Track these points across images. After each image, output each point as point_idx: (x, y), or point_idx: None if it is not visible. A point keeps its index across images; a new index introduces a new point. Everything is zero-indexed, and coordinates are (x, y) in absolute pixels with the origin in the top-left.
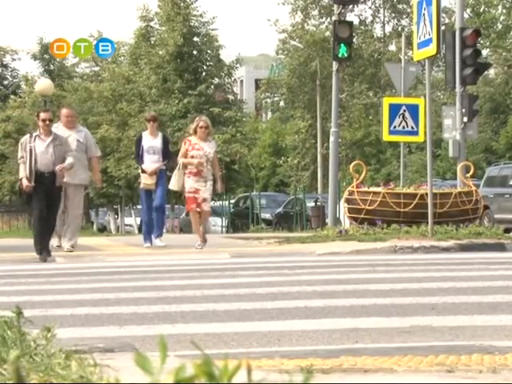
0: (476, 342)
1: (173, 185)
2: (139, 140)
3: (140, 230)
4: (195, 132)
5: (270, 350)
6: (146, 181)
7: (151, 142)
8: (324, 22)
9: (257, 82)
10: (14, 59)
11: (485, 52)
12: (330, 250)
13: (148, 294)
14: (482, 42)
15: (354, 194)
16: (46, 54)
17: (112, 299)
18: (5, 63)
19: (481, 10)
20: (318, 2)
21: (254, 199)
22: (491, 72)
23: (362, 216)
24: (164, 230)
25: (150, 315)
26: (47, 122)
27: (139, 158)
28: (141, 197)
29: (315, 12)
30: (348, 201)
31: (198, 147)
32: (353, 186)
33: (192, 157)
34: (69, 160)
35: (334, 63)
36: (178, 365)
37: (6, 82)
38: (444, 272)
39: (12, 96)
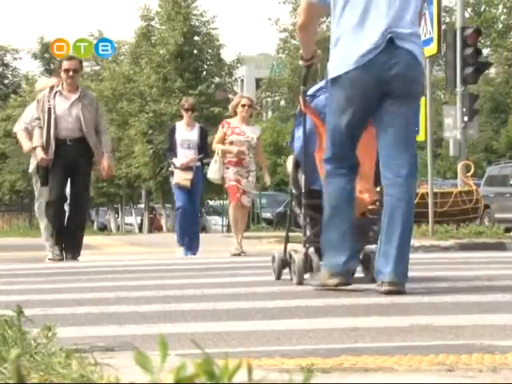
0: (476, 342)
1: (212, 174)
2: (172, 131)
3: (140, 230)
4: (235, 112)
5: (270, 349)
6: (180, 177)
7: (186, 134)
8: (325, 22)
9: (257, 81)
10: (14, 58)
11: (485, 51)
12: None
13: (148, 293)
14: (482, 41)
15: None
16: (46, 54)
17: (112, 298)
18: (5, 62)
19: (481, 10)
20: None
21: (255, 198)
22: (492, 71)
23: None
24: (164, 230)
25: (150, 314)
26: (71, 74)
27: (171, 152)
28: (175, 195)
29: None
30: None
31: (239, 131)
32: None
33: (231, 143)
34: (107, 141)
35: None
36: (178, 364)
37: (6, 81)
38: (444, 271)
39: (12, 95)
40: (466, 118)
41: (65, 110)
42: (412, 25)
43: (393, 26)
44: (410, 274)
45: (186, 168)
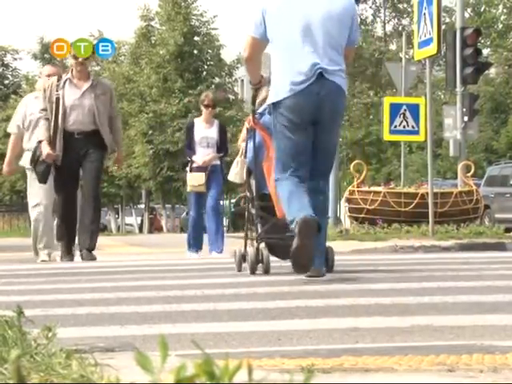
0: (477, 342)
1: (233, 177)
2: (190, 128)
3: (140, 230)
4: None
5: (270, 350)
6: (192, 182)
7: (205, 131)
8: None
9: None
10: (15, 59)
11: (485, 51)
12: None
13: (148, 293)
14: (482, 41)
15: (354, 194)
16: (46, 54)
17: (112, 299)
18: (6, 63)
19: (481, 10)
20: None
21: None
22: (492, 71)
23: (362, 215)
24: (165, 230)
25: (151, 315)
26: (81, 60)
27: (191, 150)
28: (189, 201)
29: None
30: (349, 200)
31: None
32: (353, 186)
33: None
34: (119, 134)
35: None
36: (178, 364)
37: (6, 82)
38: (445, 271)
39: (13, 96)
40: (466, 118)
41: (75, 101)
42: (337, 63)
43: (321, 62)
44: (411, 273)
45: (199, 168)
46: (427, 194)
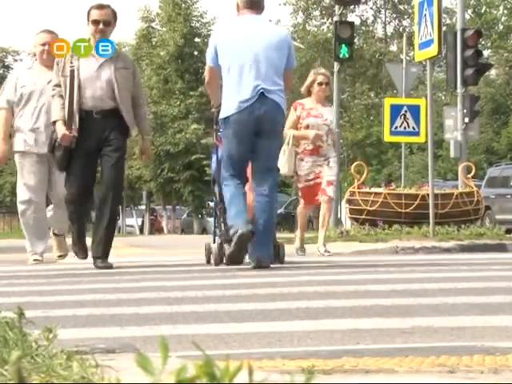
0: (477, 343)
1: (281, 167)
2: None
3: (141, 231)
4: (309, 92)
5: (271, 351)
6: None
7: None
8: (325, 23)
9: None
10: (15, 60)
11: (486, 53)
12: (331, 250)
13: (149, 294)
14: (483, 42)
15: (355, 195)
16: None
17: (113, 300)
18: (6, 64)
19: (482, 11)
20: (319, 3)
21: None
22: (492, 73)
23: (363, 217)
24: (165, 231)
25: (152, 316)
26: (101, 27)
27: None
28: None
29: (316, 13)
30: (349, 201)
31: (316, 113)
32: (354, 187)
33: (307, 127)
34: (145, 118)
35: (336, 64)
36: (179, 365)
37: None
38: (445, 273)
39: None
40: (466, 120)
41: (92, 73)
42: (277, 84)
43: (262, 83)
44: (412, 274)
45: None
46: (428, 195)
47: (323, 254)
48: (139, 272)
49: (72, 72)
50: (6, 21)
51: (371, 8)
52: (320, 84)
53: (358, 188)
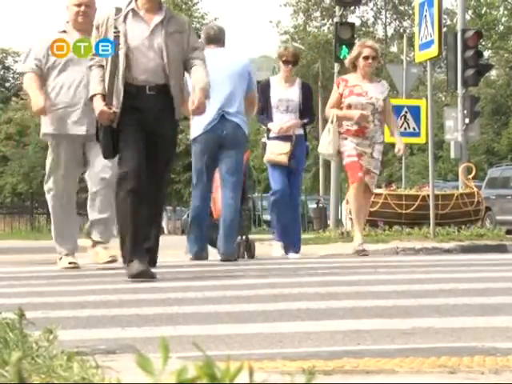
0: (478, 344)
1: (325, 147)
2: (265, 89)
3: None
4: (354, 66)
5: (271, 352)
6: (273, 151)
7: (284, 92)
8: (326, 24)
9: (259, 83)
10: (15, 61)
11: (486, 53)
12: (331, 251)
13: (149, 295)
14: (483, 43)
15: None
16: None
17: (114, 301)
18: (7, 65)
19: (482, 12)
20: (319, 4)
21: (256, 201)
22: (493, 73)
23: None
24: (166, 232)
25: (152, 317)
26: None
27: (264, 115)
28: (269, 175)
29: (317, 13)
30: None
31: (360, 91)
32: None
33: (349, 106)
34: (199, 77)
35: (336, 65)
36: (179, 366)
37: (7, 84)
38: (446, 273)
39: (14, 98)
40: (467, 120)
41: (143, 40)
42: (238, 106)
43: (224, 107)
44: (412, 275)
45: (282, 137)
46: (428, 196)
47: (360, 251)
48: None
49: (117, 38)
50: (6, 22)
51: (372, 9)
52: (366, 58)
53: None
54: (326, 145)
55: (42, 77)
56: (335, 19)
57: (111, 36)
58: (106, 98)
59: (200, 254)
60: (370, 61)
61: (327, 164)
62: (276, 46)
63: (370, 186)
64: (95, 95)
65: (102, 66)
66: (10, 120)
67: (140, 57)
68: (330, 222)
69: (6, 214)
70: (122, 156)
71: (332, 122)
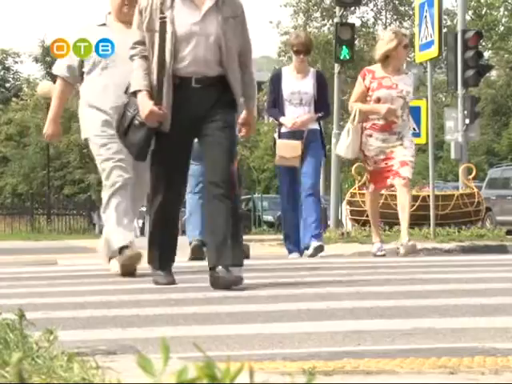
0: (478, 344)
1: (343, 150)
2: (276, 80)
3: (142, 233)
4: (384, 57)
5: (272, 353)
6: (282, 152)
7: (297, 84)
8: (326, 25)
9: (259, 84)
10: (16, 62)
11: (487, 54)
12: (331, 252)
13: (150, 296)
14: (483, 44)
15: (356, 196)
16: (47, 57)
17: (114, 301)
18: (7, 66)
19: (483, 12)
20: (319, 4)
21: (256, 201)
22: (493, 74)
23: (364, 218)
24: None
25: (152, 317)
26: None
27: (275, 109)
28: (279, 178)
29: (317, 14)
30: (350, 203)
31: (389, 83)
32: (355, 188)
33: (378, 100)
34: (252, 84)
35: (336, 65)
36: (180, 367)
37: (8, 85)
38: (446, 274)
39: (14, 99)
40: (467, 121)
41: (193, 27)
42: None
43: None
44: (413, 276)
45: (294, 133)
46: (428, 196)
47: (404, 248)
48: (140, 273)
49: (163, 25)
50: (6, 23)
51: (372, 9)
52: (406, 47)
53: (359, 189)
54: (344, 148)
55: (72, 81)
56: (335, 20)
57: (157, 22)
58: (154, 94)
59: (202, 237)
60: (403, 50)
61: (328, 166)
62: (276, 47)
63: (404, 173)
64: (140, 91)
65: (146, 57)
66: (10, 121)
67: (189, 45)
68: (330, 222)
69: (6, 214)
70: (153, 168)
71: (354, 121)
